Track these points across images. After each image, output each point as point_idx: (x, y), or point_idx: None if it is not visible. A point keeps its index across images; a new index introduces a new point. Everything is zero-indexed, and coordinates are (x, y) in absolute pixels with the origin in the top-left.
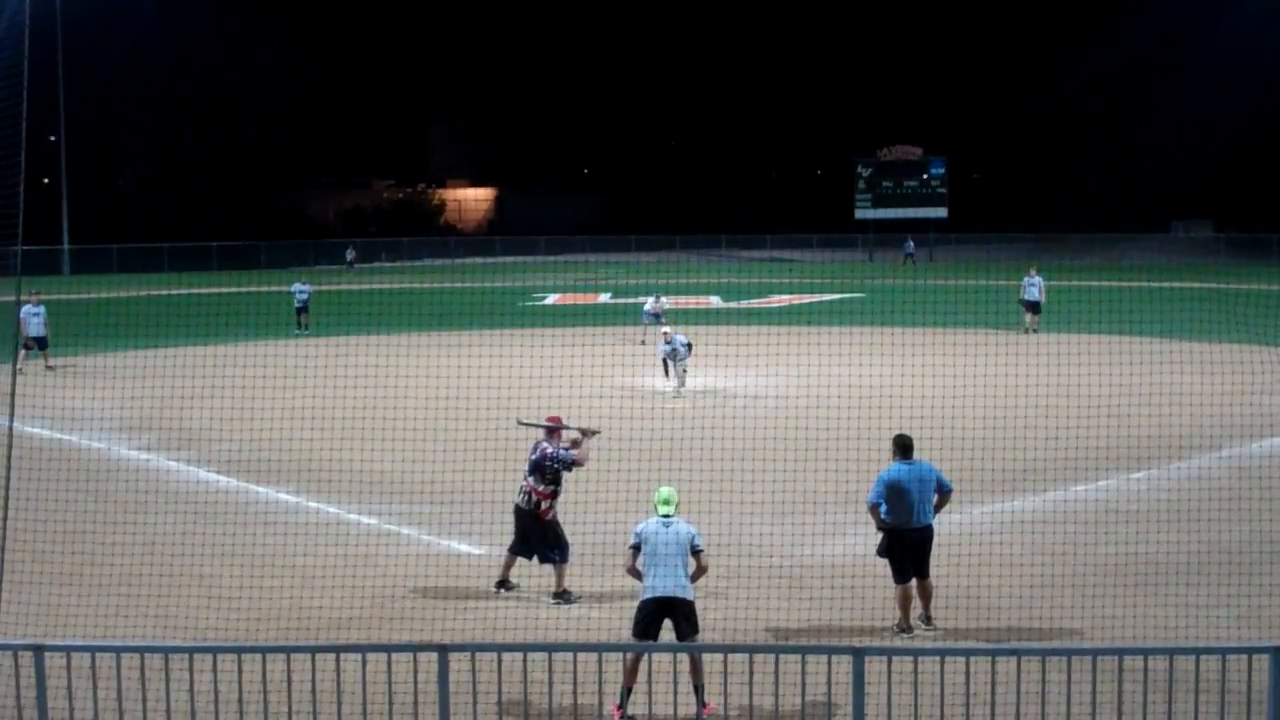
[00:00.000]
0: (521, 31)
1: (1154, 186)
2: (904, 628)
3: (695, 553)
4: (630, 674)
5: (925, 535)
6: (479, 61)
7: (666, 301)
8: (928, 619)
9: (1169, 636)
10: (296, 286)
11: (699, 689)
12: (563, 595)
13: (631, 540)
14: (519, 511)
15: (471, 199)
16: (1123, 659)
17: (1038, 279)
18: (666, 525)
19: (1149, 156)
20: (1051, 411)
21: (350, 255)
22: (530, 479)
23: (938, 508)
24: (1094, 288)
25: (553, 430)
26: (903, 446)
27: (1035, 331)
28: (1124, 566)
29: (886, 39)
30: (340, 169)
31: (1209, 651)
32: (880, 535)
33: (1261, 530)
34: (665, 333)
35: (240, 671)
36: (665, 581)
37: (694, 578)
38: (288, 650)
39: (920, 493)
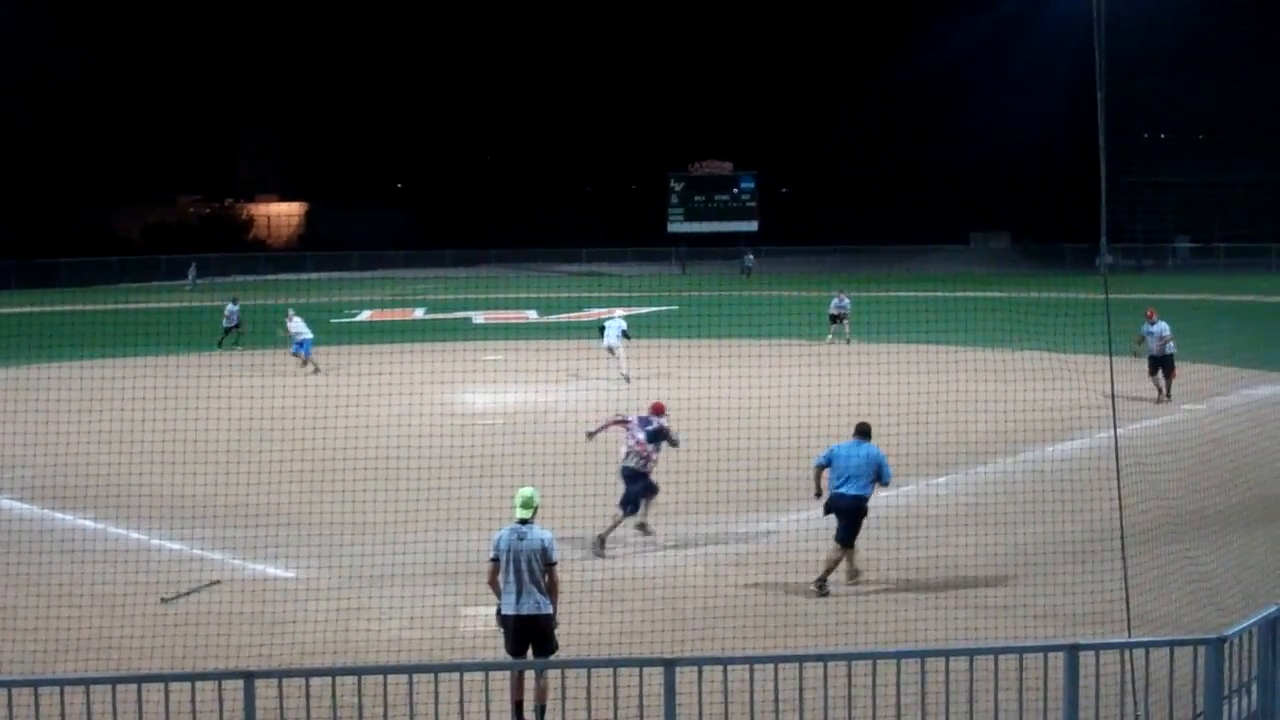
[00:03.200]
0: (331, 44)
1: (953, 200)
2: (821, 587)
3: (548, 565)
4: (516, 688)
5: (850, 503)
6: (288, 74)
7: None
8: (854, 574)
9: (971, 637)
10: (230, 308)
11: (541, 710)
12: (644, 527)
13: (490, 552)
14: (630, 472)
15: (281, 214)
16: (925, 660)
17: (846, 300)
18: (520, 536)
19: (948, 171)
20: (856, 419)
21: (192, 273)
22: (648, 445)
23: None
24: (898, 298)
25: (624, 422)
26: (858, 429)
27: (847, 341)
28: (928, 569)
29: (698, 56)
30: (144, 183)
31: (1007, 651)
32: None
33: (1058, 531)
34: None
35: (37, 706)
36: (515, 598)
37: (549, 592)
38: (87, 682)
39: (853, 468)
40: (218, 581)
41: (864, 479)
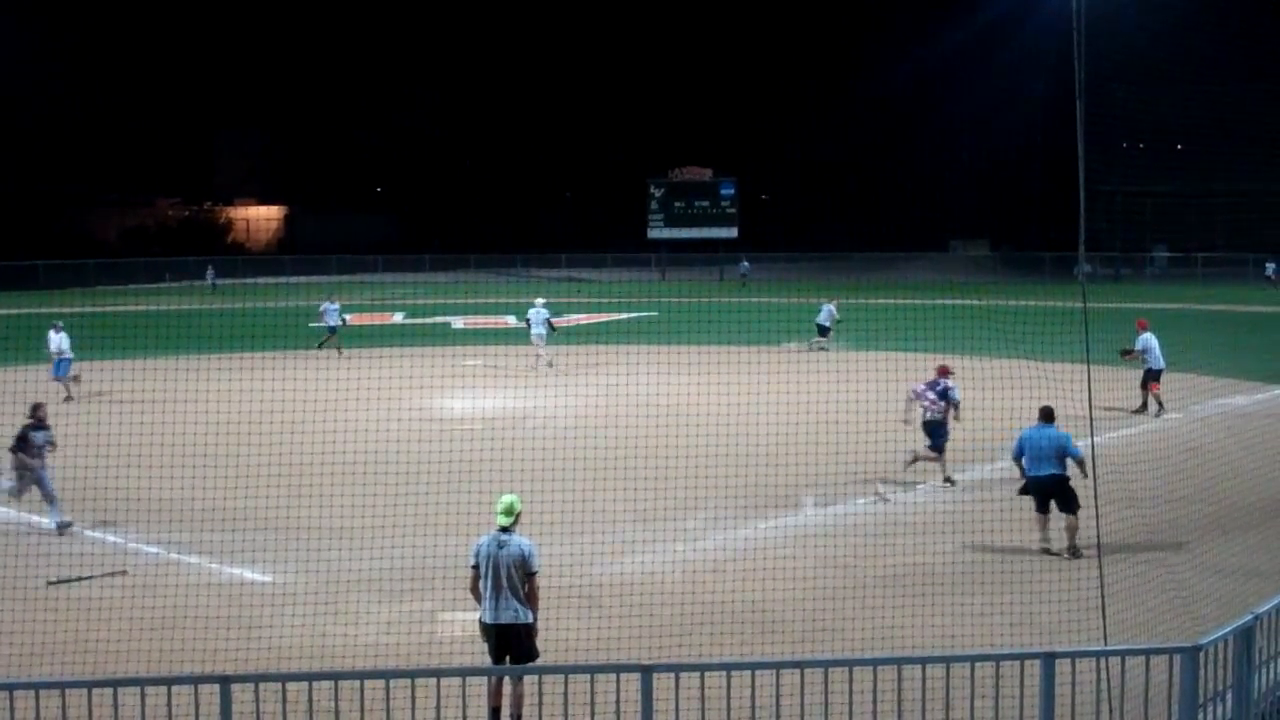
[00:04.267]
0: (311, 48)
1: (933, 207)
2: (1044, 551)
3: (528, 575)
4: (494, 694)
5: (1047, 482)
6: (268, 78)
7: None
8: (1073, 549)
9: (948, 644)
10: (328, 307)
11: (517, 717)
12: (949, 480)
13: (470, 560)
14: (929, 425)
15: (260, 217)
16: (902, 668)
17: (829, 306)
18: (500, 545)
19: (928, 178)
20: (835, 426)
21: (210, 274)
22: (939, 401)
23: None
24: (877, 305)
25: (916, 394)
26: (1042, 413)
27: (824, 349)
28: (905, 576)
29: (678, 63)
30: (123, 186)
31: (983, 659)
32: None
33: (1033, 538)
34: (541, 303)
35: (12, 710)
36: (494, 607)
37: (528, 601)
38: (62, 685)
39: (1042, 449)
40: (124, 572)
41: (1055, 459)
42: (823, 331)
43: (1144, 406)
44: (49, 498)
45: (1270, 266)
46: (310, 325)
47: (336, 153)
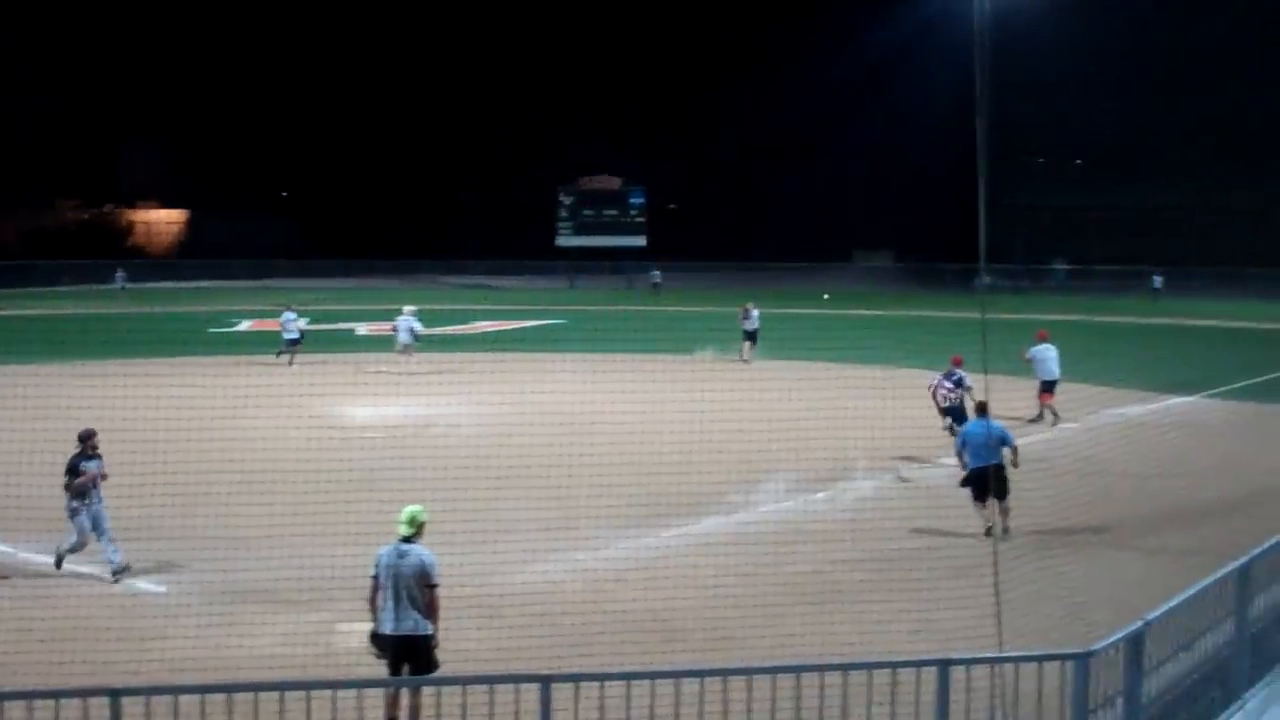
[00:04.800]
0: (216, 51)
1: (837, 218)
2: (987, 532)
3: (429, 587)
4: (391, 705)
5: (988, 472)
6: (170, 79)
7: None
8: (1005, 530)
9: (848, 652)
10: (289, 316)
11: None
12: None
13: (371, 570)
14: (949, 409)
15: (162, 220)
16: (800, 676)
17: (755, 312)
18: (400, 555)
19: (833, 190)
20: (739, 435)
21: (120, 277)
22: (954, 392)
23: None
24: (781, 315)
25: (936, 386)
26: (979, 408)
27: (748, 360)
28: (807, 585)
29: (589, 72)
30: (22, 188)
31: (880, 666)
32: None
33: (933, 545)
34: (410, 310)
35: None
36: (394, 617)
37: (428, 613)
38: None
39: (984, 442)
40: (5, 577)
41: (994, 449)
42: (749, 336)
43: (1040, 416)
44: (103, 534)
45: (1157, 279)
46: (216, 331)
47: (240, 156)
